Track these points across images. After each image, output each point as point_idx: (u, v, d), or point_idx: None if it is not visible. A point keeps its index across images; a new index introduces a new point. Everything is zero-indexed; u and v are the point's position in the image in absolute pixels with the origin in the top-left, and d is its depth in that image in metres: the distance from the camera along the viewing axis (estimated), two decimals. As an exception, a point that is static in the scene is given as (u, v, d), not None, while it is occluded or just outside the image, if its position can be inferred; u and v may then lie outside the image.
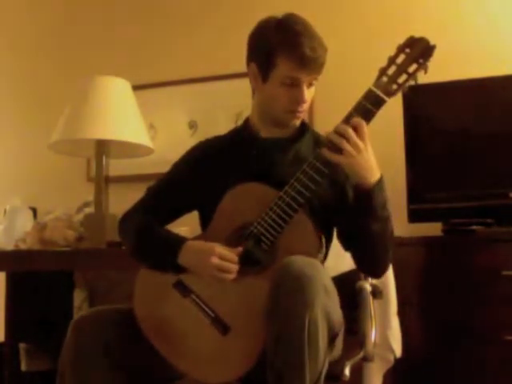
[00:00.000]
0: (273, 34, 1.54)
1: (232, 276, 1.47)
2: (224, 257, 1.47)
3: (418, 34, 1.45)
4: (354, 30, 2.91)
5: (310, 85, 1.56)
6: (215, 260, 1.46)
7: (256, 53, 1.59)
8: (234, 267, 1.47)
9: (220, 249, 1.48)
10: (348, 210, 1.53)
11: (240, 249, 1.49)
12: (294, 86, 1.53)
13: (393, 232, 1.54)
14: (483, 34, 2.75)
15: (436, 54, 1.43)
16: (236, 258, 1.47)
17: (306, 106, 1.58)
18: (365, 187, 1.44)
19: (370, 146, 1.43)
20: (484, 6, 2.79)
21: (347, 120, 1.43)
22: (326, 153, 1.42)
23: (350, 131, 1.40)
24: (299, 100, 1.55)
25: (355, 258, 1.60)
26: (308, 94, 1.56)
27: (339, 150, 1.40)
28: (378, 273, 1.65)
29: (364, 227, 1.48)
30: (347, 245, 1.61)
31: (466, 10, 2.80)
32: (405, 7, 2.85)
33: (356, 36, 2.89)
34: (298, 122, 1.61)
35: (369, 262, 1.59)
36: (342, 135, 1.40)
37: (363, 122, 1.41)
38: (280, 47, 1.51)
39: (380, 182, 1.45)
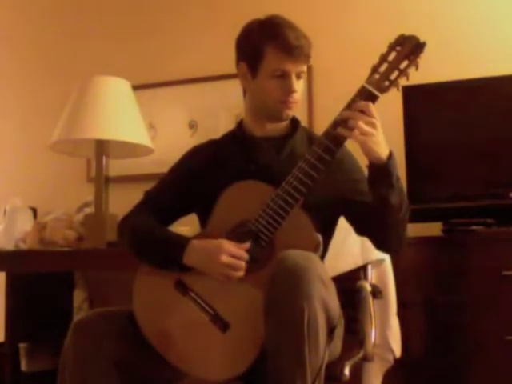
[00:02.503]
0: (258, 30, 1.60)
1: (241, 273, 1.47)
2: (233, 254, 1.47)
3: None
4: (354, 29, 2.91)
5: (298, 77, 1.59)
6: (225, 258, 1.46)
7: (244, 51, 1.64)
8: (243, 264, 1.47)
9: (228, 246, 1.48)
10: (368, 189, 1.53)
11: (247, 244, 1.49)
12: (283, 77, 1.57)
13: (408, 205, 1.55)
14: (483, 34, 2.75)
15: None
16: (245, 255, 1.48)
17: (296, 97, 1.60)
18: (381, 162, 1.45)
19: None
20: (484, 6, 2.79)
21: (335, 124, 1.44)
22: (344, 131, 1.42)
23: (360, 113, 1.41)
24: (289, 90, 1.58)
25: (373, 235, 1.61)
26: (297, 85, 1.59)
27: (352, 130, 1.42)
28: (397, 247, 1.64)
29: (384, 200, 1.48)
30: (363, 228, 1.62)
31: (466, 10, 2.81)
32: (408, 9, 2.85)
33: (357, 35, 2.89)
34: (290, 113, 1.63)
35: (389, 237, 1.58)
36: (355, 116, 1.41)
37: (368, 103, 1.42)
38: (266, 39, 1.56)
39: (392, 155, 1.47)
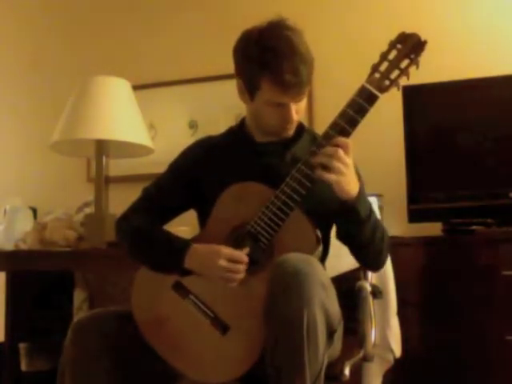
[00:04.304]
0: (255, 53, 1.51)
1: (240, 277, 1.47)
2: (231, 258, 1.46)
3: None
4: (355, 27, 2.91)
5: (298, 101, 1.55)
6: (223, 262, 1.46)
7: (241, 70, 1.58)
8: (242, 268, 1.47)
9: (227, 250, 1.47)
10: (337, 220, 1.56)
11: (247, 249, 1.48)
12: (281, 105, 1.53)
13: (384, 231, 1.56)
14: (484, 34, 2.75)
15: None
16: (245, 258, 1.47)
17: (295, 122, 1.58)
18: (350, 200, 1.45)
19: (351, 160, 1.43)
20: (485, 5, 2.79)
21: (335, 125, 1.43)
22: (319, 173, 1.42)
23: (340, 152, 1.39)
24: (287, 120, 1.55)
25: (352, 255, 1.62)
26: (298, 107, 1.55)
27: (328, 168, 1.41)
28: (375, 269, 1.70)
29: (354, 238, 1.52)
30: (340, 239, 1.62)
31: (466, 10, 2.81)
32: (409, 8, 2.86)
33: (357, 33, 2.90)
34: (290, 132, 1.61)
35: (365, 262, 1.64)
36: (332, 156, 1.40)
37: (348, 141, 1.41)
38: (262, 71, 1.50)
39: (361, 191, 1.48)
